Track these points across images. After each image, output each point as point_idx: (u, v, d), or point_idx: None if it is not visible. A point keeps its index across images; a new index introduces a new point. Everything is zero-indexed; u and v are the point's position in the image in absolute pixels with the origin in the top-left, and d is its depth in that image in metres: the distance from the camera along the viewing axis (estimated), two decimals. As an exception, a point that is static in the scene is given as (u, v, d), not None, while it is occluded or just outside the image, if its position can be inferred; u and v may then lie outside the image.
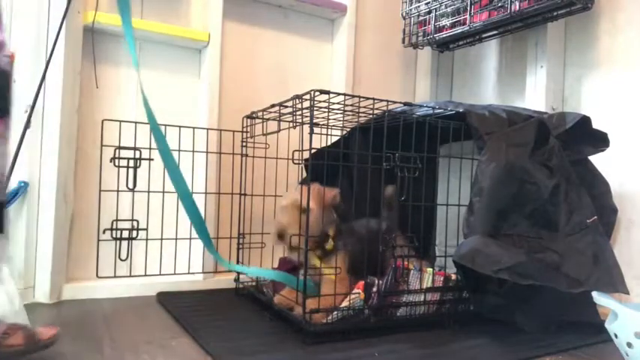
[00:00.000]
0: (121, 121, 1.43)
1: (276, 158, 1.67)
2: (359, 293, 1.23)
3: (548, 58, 1.72)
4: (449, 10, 1.85)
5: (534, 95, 1.76)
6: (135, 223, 1.39)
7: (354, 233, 1.36)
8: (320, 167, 1.39)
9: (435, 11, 1.89)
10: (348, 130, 1.74)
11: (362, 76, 2.05)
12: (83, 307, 1.43)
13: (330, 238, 1.32)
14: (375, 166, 1.31)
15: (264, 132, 1.58)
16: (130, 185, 1.36)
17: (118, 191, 1.38)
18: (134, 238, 1.40)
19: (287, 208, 1.30)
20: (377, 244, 1.29)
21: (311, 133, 1.23)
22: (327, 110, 1.39)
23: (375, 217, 1.41)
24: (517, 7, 1.58)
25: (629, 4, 1.57)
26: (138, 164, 1.38)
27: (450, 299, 1.33)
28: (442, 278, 1.33)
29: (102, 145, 1.40)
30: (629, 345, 1.01)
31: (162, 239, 1.51)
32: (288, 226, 1.27)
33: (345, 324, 1.21)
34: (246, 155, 1.65)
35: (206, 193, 1.68)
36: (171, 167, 1.22)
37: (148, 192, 1.46)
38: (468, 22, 1.75)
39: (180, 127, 1.56)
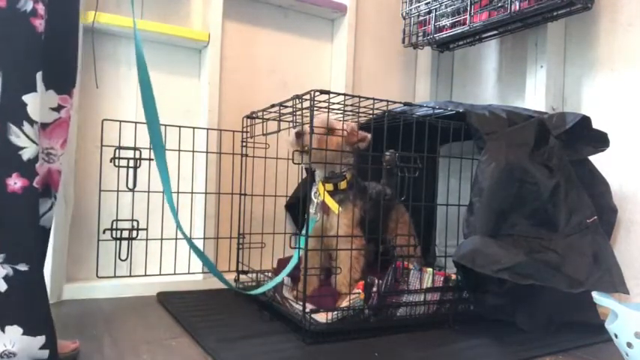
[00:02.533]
0: (121, 121, 1.43)
1: (276, 158, 1.67)
2: (359, 293, 1.23)
3: (548, 58, 1.72)
4: (449, 10, 1.84)
5: (534, 95, 1.76)
6: (135, 223, 1.39)
7: (365, 192, 1.39)
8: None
9: (435, 11, 1.89)
10: (348, 130, 1.74)
11: (362, 76, 2.05)
12: (83, 307, 1.43)
13: (345, 180, 1.35)
14: (375, 166, 1.31)
15: (264, 132, 1.58)
16: (130, 185, 1.36)
17: (118, 191, 1.38)
18: (134, 238, 1.40)
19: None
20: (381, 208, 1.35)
21: (311, 133, 1.23)
22: (327, 110, 1.39)
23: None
24: (517, 7, 1.58)
25: (629, 4, 1.57)
26: (138, 164, 1.38)
27: (450, 299, 1.33)
28: (442, 278, 1.33)
29: (102, 145, 1.40)
30: (629, 345, 1.01)
31: (162, 239, 1.51)
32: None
33: (345, 324, 1.21)
34: (246, 155, 1.65)
35: (206, 193, 1.68)
36: (161, 164, 1.06)
37: (148, 192, 1.46)
38: (467, 22, 1.75)
39: (180, 127, 1.56)
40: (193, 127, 1.61)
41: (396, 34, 2.07)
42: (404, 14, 2.02)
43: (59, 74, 0.77)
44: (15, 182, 0.69)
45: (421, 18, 1.98)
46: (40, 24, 0.69)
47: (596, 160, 1.43)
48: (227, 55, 1.80)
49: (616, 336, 1.04)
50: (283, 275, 1.27)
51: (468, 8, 1.74)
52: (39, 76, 0.71)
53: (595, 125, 1.38)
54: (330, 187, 1.34)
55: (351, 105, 1.42)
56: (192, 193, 1.64)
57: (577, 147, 1.37)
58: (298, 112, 1.37)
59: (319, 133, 1.27)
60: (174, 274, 1.54)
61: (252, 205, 1.68)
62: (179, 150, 1.56)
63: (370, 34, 2.09)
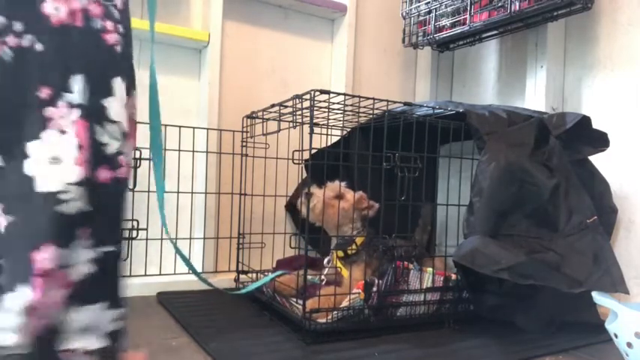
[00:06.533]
0: (121, 121, 1.42)
1: (276, 158, 1.67)
2: (359, 293, 1.23)
3: (548, 58, 1.72)
4: (449, 10, 1.84)
5: (534, 95, 1.76)
6: (135, 223, 1.39)
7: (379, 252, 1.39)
8: (320, 167, 1.39)
9: (435, 11, 1.89)
10: (348, 130, 1.74)
11: (362, 76, 2.05)
12: (83, 307, 1.43)
13: (355, 244, 1.38)
14: (375, 166, 1.31)
15: (264, 132, 1.58)
16: (130, 185, 1.36)
17: (118, 191, 1.38)
18: (134, 238, 1.40)
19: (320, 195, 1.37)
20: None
21: (311, 133, 1.23)
22: (327, 110, 1.39)
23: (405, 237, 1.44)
24: (517, 7, 1.58)
25: (629, 4, 1.57)
26: (138, 164, 1.38)
27: (450, 299, 1.33)
28: (442, 278, 1.33)
29: (102, 145, 1.39)
30: (629, 345, 1.01)
31: (162, 239, 1.51)
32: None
33: (345, 324, 1.21)
34: (246, 155, 1.65)
35: (206, 193, 1.68)
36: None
37: (148, 192, 1.46)
38: (467, 22, 1.75)
39: (180, 127, 1.56)
40: (193, 127, 1.61)
41: (396, 34, 2.07)
42: (404, 14, 2.02)
43: (130, 81, 0.88)
44: (104, 175, 0.79)
45: (421, 18, 1.98)
46: (110, 37, 0.81)
47: (596, 160, 1.43)
48: (227, 55, 1.80)
49: (616, 336, 1.04)
50: (261, 283, 1.30)
51: (468, 8, 1.74)
52: (115, 81, 0.81)
53: (595, 125, 1.38)
54: (341, 253, 1.38)
55: (351, 105, 1.42)
56: (192, 193, 1.64)
57: (577, 147, 1.37)
58: (298, 112, 1.37)
59: (329, 198, 1.35)
60: (174, 274, 1.54)
61: (252, 205, 1.68)
62: (179, 150, 1.56)
63: (370, 33, 2.09)
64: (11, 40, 0.74)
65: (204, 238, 1.68)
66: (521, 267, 1.14)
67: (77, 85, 0.77)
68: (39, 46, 0.75)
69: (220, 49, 1.74)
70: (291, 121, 1.44)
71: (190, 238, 1.68)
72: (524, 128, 1.34)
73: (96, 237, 0.77)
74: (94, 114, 0.78)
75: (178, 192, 1.59)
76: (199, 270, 1.69)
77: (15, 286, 0.71)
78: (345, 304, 1.23)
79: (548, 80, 1.72)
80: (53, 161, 0.74)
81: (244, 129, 1.66)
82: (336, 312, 1.21)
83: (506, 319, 1.30)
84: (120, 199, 0.82)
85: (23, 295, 0.71)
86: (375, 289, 1.24)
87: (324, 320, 1.20)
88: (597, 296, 1.09)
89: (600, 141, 1.38)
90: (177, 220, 1.58)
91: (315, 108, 1.24)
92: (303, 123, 1.35)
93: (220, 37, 1.74)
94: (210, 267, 1.71)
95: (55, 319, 0.74)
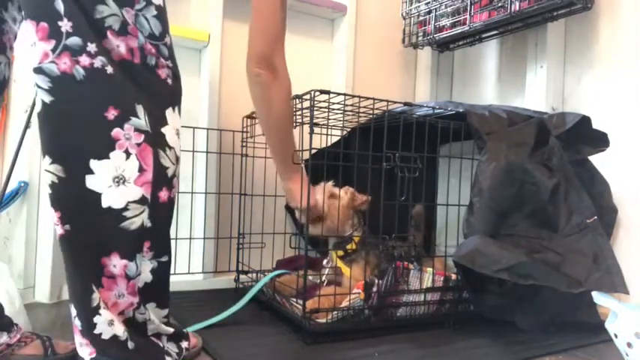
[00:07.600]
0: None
1: (276, 158, 1.67)
2: (359, 293, 1.23)
3: (548, 58, 1.72)
4: (449, 10, 1.85)
5: (534, 95, 1.76)
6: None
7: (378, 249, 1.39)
8: (320, 167, 1.39)
9: (435, 11, 1.89)
10: (348, 130, 1.74)
11: (362, 76, 2.05)
12: (83, 307, 1.43)
13: (353, 241, 1.38)
14: (375, 166, 1.31)
15: (264, 132, 1.58)
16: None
17: (118, 191, 1.38)
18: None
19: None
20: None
21: (311, 133, 1.23)
22: (327, 110, 1.39)
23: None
24: (517, 7, 1.58)
25: (629, 5, 1.57)
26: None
27: (450, 299, 1.33)
28: (442, 278, 1.33)
29: (102, 145, 1.39)
30: (629, 345, 1.01)
31: (162, 239, 1.51)
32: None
33: (345, 324, 1.22)
34: (246, 155, 1.65)
35: (206, 193, 1.68)
36: None
37: (148, 192, 1.46)
38: (468, 22, 1.75)
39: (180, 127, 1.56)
40: (193, 127, 1.61)
41: (396, 34, 2.07)
42: (404, 14, 2.02)
43: (179, 110, 0.96)
44: (164, 195, 0.87)
45: (421, 18, 1.98)
46: (162, 72, 0.90)
47: (596, 160, 1.43)
48: (227, 55, 1.79)
49: (616, 336, 1.04)
50: (241, 304, 1.30)
51: (468, 8, 1.74)
52: (169, 112, 0.89)
53: (595, 125, 1.38)
54: (340, 252, 1.39)
55: (351, 105, 1.42)
56: (192, 193, 1.64)
57: (577, 147, 1.37)
58: (298, 112, 1.37)
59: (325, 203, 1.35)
60: (175, 274, 1.53)
61: (252, 205, 1.68)
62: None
63: (370, 34, 2.08)
64: (84, 59, 0.79)
65: (205, 238, 1.68)
66: (522, 267, 1.14)
67: (141, 112, 0.83)
68: (109, 69, 0.81)
69: (220, 49, 1.74)
70: (291, 121, 1.44)
71: (190, 238, 1.68)
72: (524, 128, 1.34)
73: (155, 249, 0.86)
74: (157, 140, 0.85)
75: (178, 192, 1.58)
76: (199, 270, 1.68)
77: (93, 288, 0.81)
78: (345, 304, 1.23)
79: (548, 80, 1.72)
80: (118, 180, 0.81)
81: (244, 129, 1.66)
82: (336, 312, 1.21)
83: (506, 319, 1.30)
84: (172, 215, 0.91)
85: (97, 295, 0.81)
86: (375, 289, 1.24)
87: (324, 320, 1.20)
88: (597, 296, 1.09)
89: (600, 141, 1.38)
90: (178, 220, 1.58)
91: (315, 108, 1.24)
92: (303, 123, 1.35)
93: (220, 37, 1.74)
94: (210, 267, 1.71)
95: (137, 315, 0.86)
